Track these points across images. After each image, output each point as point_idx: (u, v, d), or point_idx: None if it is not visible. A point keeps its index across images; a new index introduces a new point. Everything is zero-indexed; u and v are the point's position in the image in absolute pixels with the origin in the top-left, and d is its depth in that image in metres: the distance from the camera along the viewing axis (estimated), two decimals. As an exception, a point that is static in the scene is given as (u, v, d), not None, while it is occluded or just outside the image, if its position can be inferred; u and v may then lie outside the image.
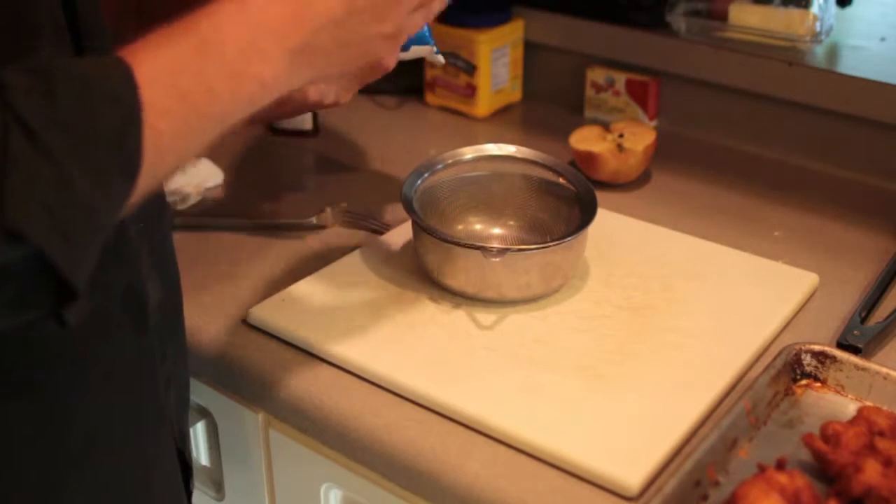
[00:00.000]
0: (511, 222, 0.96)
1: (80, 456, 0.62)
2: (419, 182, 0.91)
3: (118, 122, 0.48)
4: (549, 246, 0.85)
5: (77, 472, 0.62)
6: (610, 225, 0.97)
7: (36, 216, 0.44)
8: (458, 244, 0.84)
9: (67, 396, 0.61)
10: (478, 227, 0.96)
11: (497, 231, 0.96)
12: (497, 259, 0.82)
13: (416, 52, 0.87)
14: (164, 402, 0.70)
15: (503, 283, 0.84)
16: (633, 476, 0.68)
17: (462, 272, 0.85)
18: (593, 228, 0.88)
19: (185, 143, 0.53)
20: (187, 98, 0.52)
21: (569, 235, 0.86)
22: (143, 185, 0.50)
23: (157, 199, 0.71)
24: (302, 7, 0.57)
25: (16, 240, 0.44)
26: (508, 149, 0.96)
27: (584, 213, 0.89)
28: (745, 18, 1.20)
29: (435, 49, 0.89)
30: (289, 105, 0.67)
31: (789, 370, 0.77)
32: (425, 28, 0.87)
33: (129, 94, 0.49)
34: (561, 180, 0.93)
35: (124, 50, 0.51)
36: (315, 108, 0.74)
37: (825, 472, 0.67)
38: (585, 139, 1.12)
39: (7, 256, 0.45)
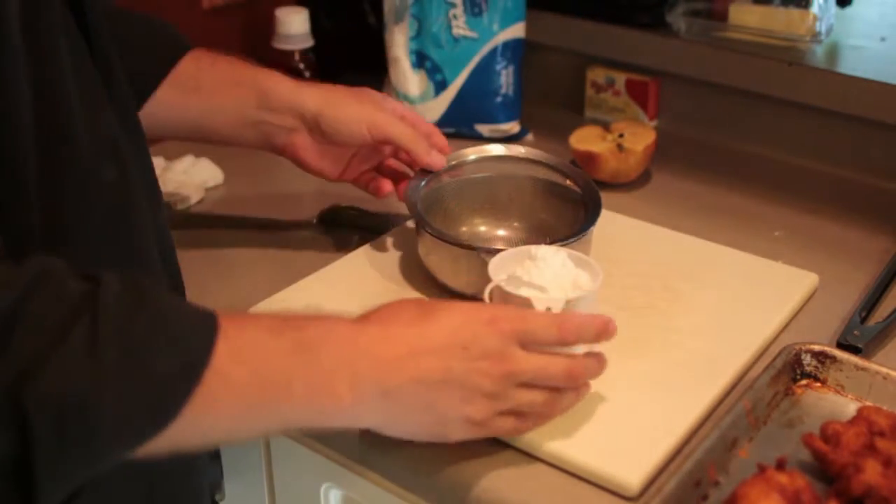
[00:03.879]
0: (515, 224, 0.95)
1: None
2: (423, 183, 0.91)
3: (176, 370, 0.48)
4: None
5: None
6: (610, 225, 0.97)
7: (48, 409, 0.44)
8: (459, 245, 0.84)
9: None
10: (482, 228, 0.96)
11: (501, 233, 0.96)
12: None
13: None
14: None
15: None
16: (633, 476, 0.68)
17: (464, 273, 0.85)
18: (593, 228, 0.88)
19: (238, 422, 0.52)
20: (263, 383, 0.52)
21: (571, 238, 0.85)
22: (174, 440, 0.49)
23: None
24: (409, 356, 0.59)
25: (15, 419, 0.43)
26: (517, 150, 0.95)
27: (588, 216, 0.89)
28: (745, 18, 1.20)
29: None
30: None
31: (789, 370, 0.77)
32: None
33: (200, 352, 0.49)
34: (567, 182, 0.93)
35: (226, 313, 0.51)
36: None
37: (825, 472, 0.67)
38: (585, 139, 1.12)
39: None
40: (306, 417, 0.56)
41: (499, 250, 0.81)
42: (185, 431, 0.49)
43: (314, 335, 0.56)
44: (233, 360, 0.50)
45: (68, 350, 0.44)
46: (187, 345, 0.49)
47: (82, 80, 0.57)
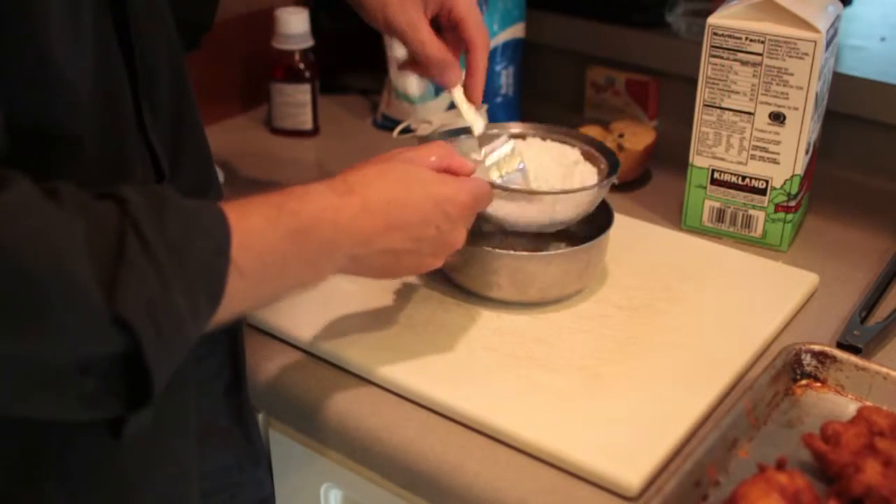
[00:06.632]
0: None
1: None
2: None
3: (210, 254, 0.54)
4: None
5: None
6: (610, 225, 0.97)
7: (140, 311, 0.49)
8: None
9: None
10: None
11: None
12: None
13: None
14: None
15: (502, 283, 0.84)
16: (633, 476, 0.68)
17: (464, 265, 0.85)
18: (593, 228, 0.88)
19: (244, 302, 0.59)
20: (264, 267, 0.59)
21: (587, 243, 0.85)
22: (219, 316, 0.56)
23: None
24: (384, 230, 0.66)
25: (119, 328, 0.49)
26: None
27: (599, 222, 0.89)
28: (745, 18, 1.20)
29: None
30: None
31: (789, 370, 0.77)
32: None
33: (223, 239, 0.55)
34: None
35: (227, 205, 0.57)
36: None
37: (825, 472, 0.67)
38: (585, 139, 1.12)
39: (102, 347, 0.49)
40: (295, 289, 0.65)
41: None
42: (226, 302, 0.56)
43: (306, 220, 0.61)
44: (239, 248, 0.56)
45: (130, 260, 0.50)
46: (212, 233, 0.55)
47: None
